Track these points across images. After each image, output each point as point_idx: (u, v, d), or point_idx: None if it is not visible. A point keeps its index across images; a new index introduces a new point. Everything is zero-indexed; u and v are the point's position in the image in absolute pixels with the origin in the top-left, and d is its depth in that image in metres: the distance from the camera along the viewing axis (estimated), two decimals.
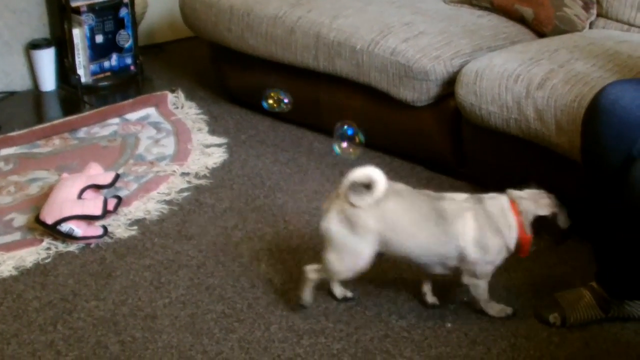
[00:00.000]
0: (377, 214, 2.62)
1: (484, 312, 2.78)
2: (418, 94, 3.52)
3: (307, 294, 2.78)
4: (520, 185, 2.73)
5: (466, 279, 2.72)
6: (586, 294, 2.72)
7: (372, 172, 2.58)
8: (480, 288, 2.74)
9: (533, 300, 2.83)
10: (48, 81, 4.57)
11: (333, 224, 2.64)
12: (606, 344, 2.65)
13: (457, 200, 2.70)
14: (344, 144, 3.04)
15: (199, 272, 3.04)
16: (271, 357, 2.61)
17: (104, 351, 2.65)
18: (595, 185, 2.56)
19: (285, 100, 3.32)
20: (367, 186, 2.59)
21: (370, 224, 2.62)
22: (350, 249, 2.66)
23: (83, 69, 4.54)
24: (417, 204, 2.69)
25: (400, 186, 2.74)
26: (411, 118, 3.63)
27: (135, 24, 4.70)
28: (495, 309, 2.78)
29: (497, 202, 2.68)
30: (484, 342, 2.67)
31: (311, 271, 2.74)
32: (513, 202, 2.67)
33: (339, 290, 2.88)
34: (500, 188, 3.42)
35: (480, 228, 2.63)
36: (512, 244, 2.65)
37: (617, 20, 3.56)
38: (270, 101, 3.32)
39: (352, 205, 2.60)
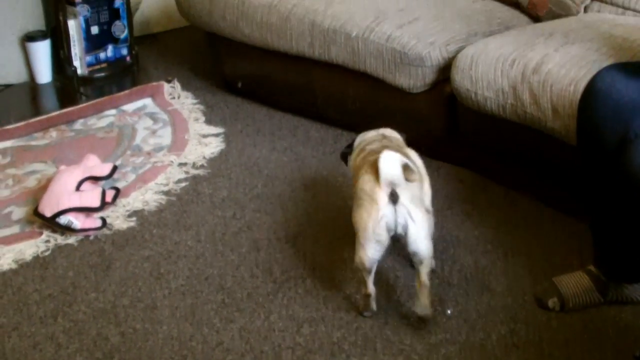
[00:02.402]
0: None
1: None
2: (414, 80, 3.52)
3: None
4: None
5: None
6: (584, 278, 2.73)
7: (398, 159, 2.59)
8: None
9: (532, 285, 2.83)
10: (44, 73, 4.56)
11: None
12: (605, 327, 2.66)
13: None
14: None
15: (198, 262, 3.05)
16: (272, 346, 2.61)
17: (104, 343, 2.65)
18: (590, 169, 2.56)
19: None
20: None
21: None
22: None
23: (79, 61, 4.53)
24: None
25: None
26: (407, 104, 3.62)
27: (130, 14, 4.69)
28: None
29: None
30: (483, 328, 2.67)
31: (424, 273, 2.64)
32: None
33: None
34: (497, 172, 3.45)
35: None
36: None
37: (611, 4, 3.55)
38: None
39: (411, 180, 2.62)
